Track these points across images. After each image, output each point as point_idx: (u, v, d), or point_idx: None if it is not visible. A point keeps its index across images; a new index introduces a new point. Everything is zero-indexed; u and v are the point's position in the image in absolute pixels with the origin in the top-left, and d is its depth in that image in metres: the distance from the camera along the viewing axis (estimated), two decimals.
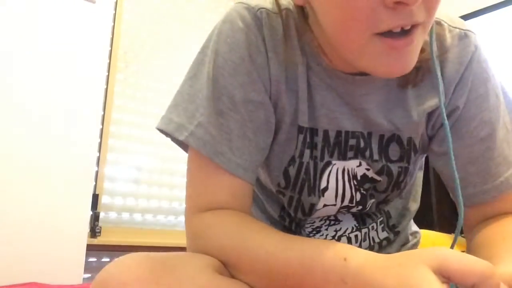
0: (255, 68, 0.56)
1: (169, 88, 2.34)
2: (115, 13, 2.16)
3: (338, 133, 0.61)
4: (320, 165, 0.62)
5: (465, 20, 0.62)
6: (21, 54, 1.55)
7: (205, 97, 0.56)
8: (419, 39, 0.49)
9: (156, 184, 2.23)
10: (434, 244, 1.37)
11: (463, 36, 0.60)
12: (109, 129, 2.11)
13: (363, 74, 0.58)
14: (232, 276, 0.49)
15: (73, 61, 1.66)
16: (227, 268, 0.49)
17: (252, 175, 0.56)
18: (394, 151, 0.62)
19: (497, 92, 0.61)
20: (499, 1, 1.95)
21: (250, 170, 0.56)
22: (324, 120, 0.60)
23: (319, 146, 0.61)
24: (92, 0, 1.72)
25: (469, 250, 0.60)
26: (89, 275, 1.87)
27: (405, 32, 0.46)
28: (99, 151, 2.01)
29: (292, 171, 0.62)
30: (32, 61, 1.57)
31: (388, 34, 0.46)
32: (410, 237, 0.75)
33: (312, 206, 0.65)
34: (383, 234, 0.70)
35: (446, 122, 0.55)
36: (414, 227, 0.77)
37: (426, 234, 1.05)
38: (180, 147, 0.62)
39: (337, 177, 0.63)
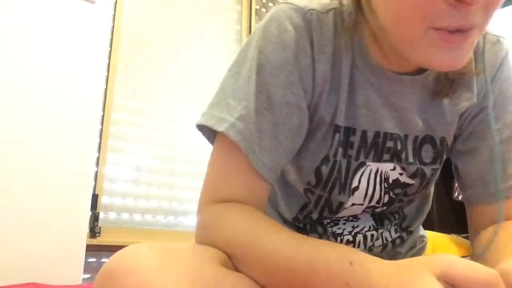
0: (298, 70, 0.57)
1: (169, 89, 2.34)
2: (114, 14, 2.16)
3: (377, 134, 0.61)
4: (354, 164, 0.62)
5: None
6: (20, 54, 1.55)
7: (246, 92, 0.56)
8: (474, 39, 0.49)
9: (155, 185, 2.23)
10: (434, 244, 1.37)
11: (496, 42, 0.63)
12: (109, 130, 2.11)
13: (407, 74, 0.60)
14: (237, 270, 0.49)
15: (73, 61, 1.66)
16: (232, 261, 0.49)
17: (274, 176, 0.57)
18: (427, 152, 0.63)
19: None
20: None
21: (273, 170, 0.56)
22: (364, 120, 0.61)
23: (355, 146, 0.61)
24: (92, 1, 1.71)
25: (474, 253, 0.60)
26: (88, 275, 1.86)
27: (461, 31, 0.48)
28: (99, 151, 2.01)
29: (325, 170, 0.62)
30: (32, 61, 1.57)
31: (445, 30, 0.47)
32: (418, 241, 0.76)
33: (341, 205, 0.65)
34: (396, 235, 0.70)
35: (493, 122, 0.59)
36: (422, 231, 0.78)
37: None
38: (209, 140, 0.60)
39: (369, 178, 0.63)
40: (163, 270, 0.42)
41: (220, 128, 0.55)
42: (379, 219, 0.69)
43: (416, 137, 0.63)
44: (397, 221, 0.70)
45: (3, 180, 1.45)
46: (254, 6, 2.74)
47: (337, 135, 0.60)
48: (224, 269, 0.47)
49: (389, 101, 0.61)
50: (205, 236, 0.54)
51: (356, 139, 0.61)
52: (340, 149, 0.61)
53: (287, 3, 0.60)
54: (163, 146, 2.28)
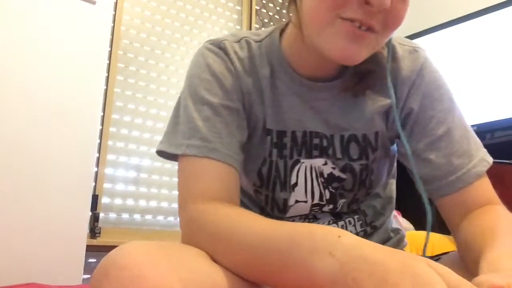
0: (227, 83, 0.67)
1: (168, 89, 2.35)
2: (114, 14, 2.16)
3: (304, 133, 0.70)
4: (290, 163, 0.70)
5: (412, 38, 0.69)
6: (20, 55, 1.55)
7: (188, 115, 0.66)
8: (370, 43, 0.59)
9: (155, 185, 2.23)
10: (434, 246, 1.37)
11: (413, 51, 0.71)
12: (109, 130, 2.11)
13: (325, 81, 0.69)
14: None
15: (73, 61, 1.66)
16: (216, 258, 0.51)
17: (239, 165, 0.64)
18: (354, 149, 0.70)
19: (450, 97, 0.69)
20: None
21: (237, 160, 0.64)
22: (291, 123, 0.70)
23: (288, 146, 0.70)
24: (92, 1, 1.72)
25: (458, 250, 0.64)
26: (88, 275, 1.86)
27: (361, 30, 0.56)
28: (99, 151, 2.01)
29: (265, 170, 0.70)
30: (32, 62, 1.57)
31: (350, 22, 0.56)
32: (392, 234, 0.79)
33: (285, 202, 0.72)
34: (360, 229, 0.75)
35: (398, 121, 0.66)
36: (395, 224, 0.82)
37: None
38: (169, 159, 0.69)
39: (306, 174, 0.71)
40: (155, 265, 0.43)
41: (179, 151, 0.63)
42: (337, 215, 0.74)
43: (342, 136, 0.70)
44: (358, 216, 0.74)
45: (3, 180, 1.45)
46: (254, 7, 2.74)
47: (269, 138, 0.69)
48: (214, 263, 0.49)
49: (311, 105, 0.69)
50: (189, 235, 0.57)
51: (287, 140, 0.70)
52: (275, 150, 0.70)
53: (205, 41, 0.72)
54: None
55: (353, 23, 0.56)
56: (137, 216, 2.16)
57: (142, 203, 2.18)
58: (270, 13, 2.84)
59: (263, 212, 0.74)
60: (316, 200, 0.71)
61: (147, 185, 2.21)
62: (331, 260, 0.40)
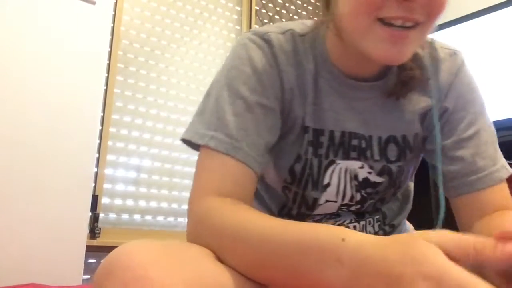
0: (267, 79, 0.64)
1: (169, 90, 2.34)
2: (114, 14, 2.16)
3: (343, 134, 0.69)
4: (325, 162, 0.69)
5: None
6: (20, 55, 1.55)
7: (222, 104, 0.63)
8: (415, 38, 0.57)
9: (155, 185, 2.23)
10: None
11: (453, 53, 0.72)
12: (109, 130, 2.11)
13: (367, 80, 0.68)
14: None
15: (73, 62, 1.66)
16: (221, 256, 0.50)
17: (260, 168, 0.62)
18: (392, 151, 0.70)
19: (482, 101, 0.71)
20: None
21: (260, 162, 0.62)
22: (331, 122, 0.68)
23: (325, 145, 0.68)
24: (92, 1, 1.71)
25: None
26: (88, 276, 1.86)
27: (404, 28, 0.55)
28: (99, 152, 2.01)
29: (298, 168, 0.69)
30: (32, 62, 1.57)
31: (389, 24, 0.55)
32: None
33: (315, 201, 0.71)
34: (378, 229, 0.76)
35: (437, 124, 0.66)
36: (410, 226, 0.84)
37: None
38: (194, 149, 0.66)
39: (340, 176, 0.70)
40: (159, 265, 0.43)
41: (202, 142, 0.62)
42: (360, 214, 0.74)
43: (380, 138, 0.70)
44: (378, 217, 0.75)
45: (3, 181, 1.45)
46: (254, 7, 2.74)
47: (306, 136, 0.68)
48: (218, 262, 0.48)
49: (352, 105, 0.69)
50: (195, 231, 0.56)
51: (325, 139, 0.68)
52: (310, 149, 0.68)
53: (248, 32, 0.69)
54: (163, 147, 2.28)
55: (392, 26, 0.55)
56: (137, 217, 2.16)
57: (142, 203, 2.18)
58: (270, 14, 2.84)
59: (284, 209, 0.74)
60: (346, 201, 0.71)
61: (147, 186, 2.21)
62: (340, 269, 0.39)
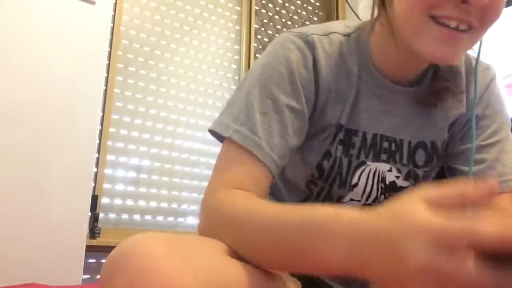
0: (301, 81, 0.65)
1: (168, 90, 2.34)
2: (114, 15, 2.16)
3: (375, 136, 0.71)
4: (355, 163, 0.70)
5: None
6: (20, 56, 1.55)
7: (251, 100, 0.64)
8: (468, 42, 0.59)
9: (155, 185, 2.23)
10: None
11: (487, 68, 0.76)
12: (109, 130, 2.11)
13: (403, 85, 0.71)
14: (237, 256, 0.51)
15: (72, 62, 1.66)
16: (232, 246, 0.51)
17: (278, 169, 0.63)
18: (420, 156, 0.72)
19: (507, 115, 0.75)
20: None
21: (278, 164, 0.63)
22: (365, 123, 0.70)
23: (357, 146, 0.70)
24: (92, 1, 1.72)
25: None
26: (88, 276, 1.86)
27: (459, 31, 0.57)
28: (98, 152, 2.01)
29: (327, 165, 0.70)
30: (32, 62, 1.57)
31: (444, 25, 0.57)
32: None
33: (340, 198, 0.72)
34: None
35: (474, 130, 0.69)
36: None
37: None
38: (220, 141, 0.68)
39: (368, 177, 0.71)
40: (168, 257, 0.43)
41: (226, 134, 0.63)
42: None
43: (410, 142, 0.72)
44: None
45: (3, 181, 1.45)
46: (254, 7, 2.74)
47: (339, 134, 0.69)
48: (227, 257, 0.48)
49: (387, 108, 0.70)
50: (207, 221, 0.58)
51: (357, 139, 0.70)
52: (340, 147, 0.69)
53: (289, 31, 0.70)
54: (162, 147, 2.28)
55: (448, 26, 0.57)
56: (136, 217, 2.16)
57: (142, 203, 2.18)
58: (270, 14, 2.84)
59: (307, 201, 0.74)
60: (369, 201, 0.73)
61: (147, 186, 2.21)
62: (337, 247, 0.40)
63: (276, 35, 2.82)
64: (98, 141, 1.89)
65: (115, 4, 2.17)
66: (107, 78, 2.07)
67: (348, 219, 0.41)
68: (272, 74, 0.65)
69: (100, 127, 1.95)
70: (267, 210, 0.51)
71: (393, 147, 0.71)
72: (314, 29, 0.70)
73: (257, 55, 2.69)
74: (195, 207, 2.35)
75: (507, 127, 0.73)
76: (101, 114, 1.98)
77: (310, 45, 0.67)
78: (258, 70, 0.67)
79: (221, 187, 0.59)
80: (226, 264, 0.47)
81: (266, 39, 2.77)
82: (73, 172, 1.59)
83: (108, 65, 2.09)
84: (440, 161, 0.75)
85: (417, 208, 0.36)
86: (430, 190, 0.38)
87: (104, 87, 1.99)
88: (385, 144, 0.71)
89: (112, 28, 2.13)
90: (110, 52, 2.11)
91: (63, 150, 1.58)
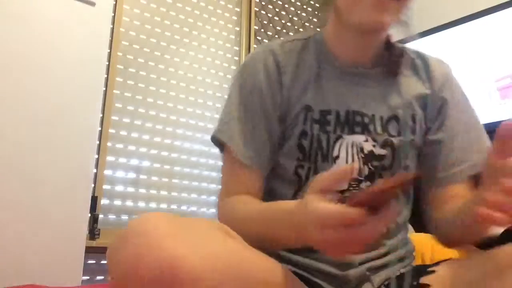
0: (268, 87, 0.81)
1: (168, 91, 2.35)
2: (114, 16, 2.16)
3: (347, 112, 0.79)
4: (333, 137, 0.78)
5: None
6: (19, 56, 1.55)
7: (232, 109, 0.82)
8: (395, 10, 0.73)
9: (155, 186, 2.23)
10: (433, 247, 1.37)
11: (441, 61, 0.88)
12: (108, 131, 2.11)
13: (362, 65, 0.82)
14: None
15: (72, 63, 1.66)
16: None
17: (265, 168, 0.81)
18: (393, 127, 0.80)
19: (471, 106, 0.85)
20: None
21: (257, 160, 0.80)
22: (335, 103, 0.79)
23: (332, 123, 0.79)
24: (92, 3, 1.72)
25: (439, 234, 0.78)
26: (88, 277, 1.86)
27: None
28: (98, 153, 2.01)
29: (306, 143, 0.79)
30: (31, 63, 1.57)
31: None
32: (410, 244, 0.83)
33: None
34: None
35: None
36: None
37: (425, 238, 1.05)
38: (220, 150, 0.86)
39: (347, 149, 0.78)
40: (173, 236, 0.47)
41: (215, 134, 0.83)
42: None
43: (381, 117, 0.80)
44: None
45: (2, 182, 1.45)
46: (253, 8, 2.75)
47: (309, 114, 0.79)
48: (233, 238, 0.58)
49: (352, 89, 0.81)
50: (220, 219, 0.77)
51: (331, 117, 0.79)
52: (316, 126, 0.78)
53: (258, 46, 0.88)
54: (162, 148, 2.28)
55: None
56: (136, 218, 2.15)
57: (142, 204, 2.18)
58: (269, 15, 2.85)
59: (299, 191, 0.81)
60: (355, 175, 0.77)
61: (147, 187, 2.21)
62: (292, 230, 0.59)
63: (276, 36, 2.82)
64: (97, 142, 1.89)
65: (115, 5, 2.18)
66: (107, 79, 2.07)
67: (293, 213, 0.59)
68: (245, 85, 0.82)
69: (99, 128, 1.95)
70: (257, 207, 0.72)
71: (366, 120, 0.79)
72: (277, 40, 0.87)
73: None
74: (195, 208, 2.35)
75: (472, 114, 0.83)
76: (101, 115, 1.99)
77: (273, 52, 0.83)
78: (236, 81, 0.84)
79: (224, 197, 0.80)
80: (230, 242, 0.55)
81: (265, 40, 2.77)
82: (72, 173, 1.59)
83: (108, 66, 2.09)
84: (416, 134, 0.81)
85: (311, 201, 0.53)
86: (321, 181, 0.55)
87: (104, 88, 1.99)
88: (358, 118, 0.79)
89: (112, 29, 2.13)
90: (110, 53, 2.11)
91: (62, 151, 1.58)
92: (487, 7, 2.03)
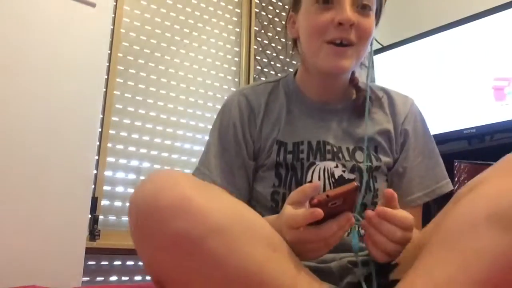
0: (242, 122, 0.92)
1: (168, 92, 2.35)
2: (114, 17, 2.16)
3: (318, 142, 0.89)
4: (306, 164, 0.87)
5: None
6: (19, 57, 1.56)
7: (209, 148, 0.94)
8: (352, 54, 0.84)
9: None
10: None
11: (404, 95, 0.98)
12: (108, 132, 2.11)
13: (329, 103, 0.93)
14: None
15: (72, 64, 1.66)
16: None
17: (240, 195, 0.88)
18: (359, 156, 0.88)
19: (430, 135, 0.96)
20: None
21: (238, 192, 0.89)
22: (306, 135, 0.89)
23: (305, 151, 0.88)
24: (92, 4, 1.72)
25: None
26: (88, 278, 1.86)
27: (343, 45, 0.82)
28: (98, 154, 2.01)
29: (282, 171, 0.88)
30: (32, 64, 1.57)
31: (333, 44, 0.82)
32: None
33: None
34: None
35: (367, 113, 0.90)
36: None
37: None
38: None
39: (319, 174, 0.86)
40: (199, 192, 0.58)
41: (192, 172, 0.93)
42: None
43: (347, 148, 0.89)
44: None
45: (2, 183, 1.45)
46: (254, 9, 2.75)
47: (282, 147, 0.89)
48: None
49: (322, 124, 0.91)
50: None
51: (304, 147, 0.88)
52: (290, 156, 0.88)
53: (233, 92, 1.00)
54: (162, 149, 2.28)
55: (335, 43, 0.82)
56: None
57: None
58: (270, 16, 2.85)
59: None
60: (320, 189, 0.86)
61: None
62: (280, 231, 0.66)
63: (276, 37, 2.82)
64: (98, 143, 1.89)
65: (116, 6, 2.18)
66: (107, 80, 2.08)
67: (275, 221, 0.68)
68: (221, 126, 0.93)
69: (100, 129, 1.95)
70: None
71: (335, 149, 0.88)
72: (248, 85, 0.99)
73: (257, 57, 2.69)
74: None
75: (430, 143, 0.93)
76: (101, 116, 1.99)
77: (245, 96, 0.94)
78: (216, 121, 0.96)
79: None
80: (248, 207, 0.65)
81: (266, 41, 2.77)
82: (73, 174, 1.59)
83: (108, 67, 2.09)
84: (381, 161, 0.90)
85: (285, 210, 0.66)
86: (293, 195, 0.66)
87: (104, 89, 1.99)
88: (328, 147, 0.88)
89: (112, 30, 2.13)
90: (110, 54, 2.11)
91: (63, 152, 1.58)
92: (486, 9, 2.04)
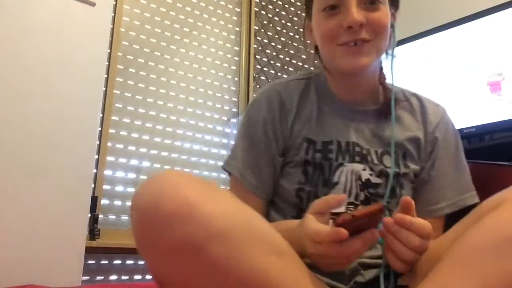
0: (271, 123, 0.91)
1: (168, 91, 2.35)
2: (114, 16, 2.16)
3: (347, 143, 0.88)
4: (334, 164, 0.86)
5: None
6: (19, 57, 1.55)
7: (239, 142, 0.93)
8: (369, 50, 0.82)
9: None
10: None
11: (436, 105, 0.97)
12: (108, 132, 2.11)
13: (358, 104, 0.92)
14: None
15: (72, 63, 1.66)
16: None
17: (263, 193, 0.90)
18: (387, 160, 0.87)
19: (460, 144, 0.94)
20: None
21: (261, 189, 0.90)
22: (336, 135, 0.89)
23: (334, 151, 0.87)
24: (92, 3, 1.72)
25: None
26: (87, 277, 1.86)
27: (356, 45, 0.82)
28: (98, 153, 2.01)
29: (310, 169, 0.87)
30: (31, 63, 1.57)
31: (346, 45, 0.82)
32: None
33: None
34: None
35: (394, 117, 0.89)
36: None
37: None
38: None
39: (347, 176, 0.85)
40: (190, 182, 0.57)
41: (227, 168, 0.93)
42: None
43: (376, 151, 0.88)
44: None
45: (2, 182, 1.45)
46: (253, 9, 2.74)
47: (312, 146, 0.88)
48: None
49: (351, 124, 0.90)
50: None
51: (333, 147, 0.87)
52: (319, 155, 0.87)
53: (266, 85, 0.98)
54: (162, 148, 2.28)
55: (348, 45, 0.82)
56: None
57: None
58: (270, 15, 2.85)
59: (301, 212, 0.85)
60: (351, 199, 0.84)
61: None
62: (296, 244, 0.66)
63: (276, 36, 2.82)
64: (97, 142, 1.89)
65: (115, 5, 2.17)
66: (107, 79, 2.07)
67: (295, 230, 0.69)
68: (250, 120, 0.93)
69: (100, 128, 1.95)
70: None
71: (364, 151, 0.87)
72: (281, 80, 0.97)
73: (257, 56, 2.69)
74: None
75: (460, 153, 0.92)
76: (101, 115, 1.98)
77: (277, 91, 0.93)
78: (245, 114, 0.95)
79: None
80: (250, 209, 0.62)
81: (265, 41, 2.77)
82: (72, 173, 1.59)
83: (108, 66, 2.09)
84: (410, 168, 0.88)
85: (307, 220, 0.66)
86: (318, 204, 0.68)
87: (104, 88, 1.99)
88: (357, 149, 0.87)
89: (112, 29, 2.13)
90: (110, 53, 2.11)
91: (62, 151, 1.58)
92: (485, 9, 2.04)
